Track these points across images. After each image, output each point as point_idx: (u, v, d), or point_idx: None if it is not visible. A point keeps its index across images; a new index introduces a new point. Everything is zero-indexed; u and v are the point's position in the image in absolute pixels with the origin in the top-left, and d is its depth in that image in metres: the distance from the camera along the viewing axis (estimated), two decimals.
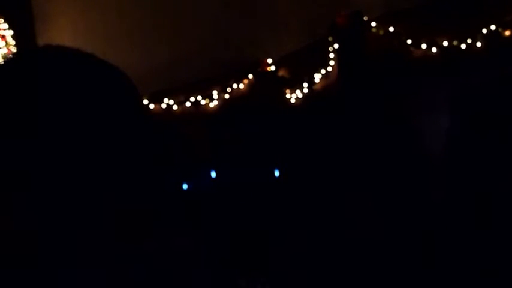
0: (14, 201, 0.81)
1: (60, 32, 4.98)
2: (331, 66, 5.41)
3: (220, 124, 5.30)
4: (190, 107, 5.49)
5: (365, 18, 5.28)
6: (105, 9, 5.20)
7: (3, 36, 4.19)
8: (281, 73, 5.56)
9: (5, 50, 4.15)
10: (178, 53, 5.24)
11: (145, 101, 5.15)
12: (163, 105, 5.42)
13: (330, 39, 5.33)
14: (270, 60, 5.50)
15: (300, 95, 5.45)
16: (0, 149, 0.82)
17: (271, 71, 5.52)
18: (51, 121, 0.81)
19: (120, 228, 0.85)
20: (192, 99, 5.48)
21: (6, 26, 4.23)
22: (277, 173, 4.42)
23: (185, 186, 4.88)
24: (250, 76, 5.52)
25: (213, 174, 4.85)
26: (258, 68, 5.51)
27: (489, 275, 1.50)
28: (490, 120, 1.60)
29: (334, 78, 5.35)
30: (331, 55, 5.38)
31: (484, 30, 5.12)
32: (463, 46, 5.16)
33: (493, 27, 5.11)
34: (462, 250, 1.55)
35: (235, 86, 5.51)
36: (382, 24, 5.32)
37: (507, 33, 5.13)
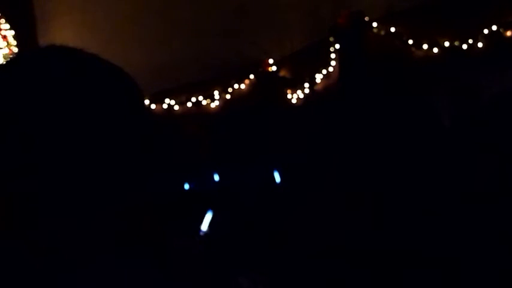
0: (8, 201, 0.82)
1: (62, 32, 4.99)
2: (333, 66, 5.41)
3: (222, 124, 5.30)
4: (191, 107, 5.50)
5: (366, 19, 5.28)
6: (107, 10, 5.21)
7: (4, 37, 4.19)
8: (282, 73, 5.56)
9: (6, 50, 4.15)
10: (180, 53, 5.24)
11: (147, 102, 5.15)
12: (165, 106, 5.42)
13: (331, 39, 5.34)
14: (271, 61, 5.51)
15: (301, 95, 5.45)
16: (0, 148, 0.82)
17: (273, 71, 5.52)
18: (52, 122, 0.81)
19: (121, 228, 0.85)
20: (194, 99, 5.49)
21: (7, 26, 4.23)
22: (278, 178, 4.42)
23: (186, 186, 4.88)
24: (252, 76, 5.53)
25: (216, 177, 4.85)
26: (259, 68, 5.52)
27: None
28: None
29: (335, 78, 5.35)
30: (333, 55, 5.39)
31: (486, 31, 5.12)
32: (465, 46, 5.16)
33: (494, 27, 5.11)
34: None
35: (236, 86, 5.52)
36: (384, 24, 5.32)
37: (508, 33, 5.13)
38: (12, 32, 4.23)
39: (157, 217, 0.90)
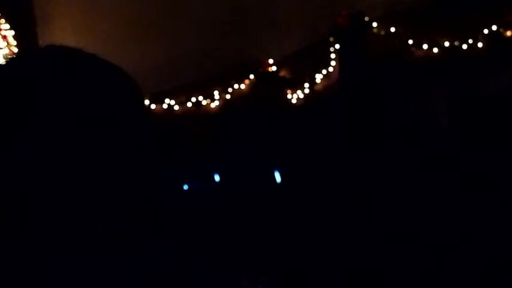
0: (8, 200, 0.82)
1: (62, 32, 4.99)
2: (332, 66, 5.41)
3: (222, 124, 5.30)
4: (191, 107, 5.50)
5: (366, 19, 5.28)
6: (106, 10, 5.21)
7: (4, 37, 4.19)
8: (282, 73, 5.56)
9: (6, 51, 4.15)
10: (180, 53, 5.24)
11: (147, 102, 5.15)
12: (165, 106, 5.42)
13: (331, 39, 5.33)
14: (271, 61, 5.51)
15: (301, 96, 5.45)
16: None
17: (273, 71, 5.52)
18: (51, 122, 0.81)
19: (120, 228, 0.85)
20: (193, 99, 5.48)
21: (7, 26, 4.22)
22: (278, 178, 4.42)
23: (185, 187, 4.88)
24: (252, 76, 5.53)
25: (217, 177, 4.85)
26: (259, 68, 5.52)
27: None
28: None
29: (335, 78, 5.35)
30: (332, 55, 5.38)
31: (486, 31, 5.12)
32: (465, 46, 5.15)
33: (494, 27, 5.11)
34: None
35: (236, 86, 5.51)
36: (384, 24, 5.32)
37: (508, 33, 5.13)
38: (12, 32, 4.22)
39: (157, 217, 0.90)
